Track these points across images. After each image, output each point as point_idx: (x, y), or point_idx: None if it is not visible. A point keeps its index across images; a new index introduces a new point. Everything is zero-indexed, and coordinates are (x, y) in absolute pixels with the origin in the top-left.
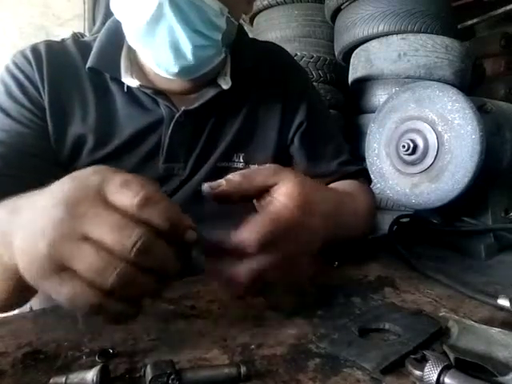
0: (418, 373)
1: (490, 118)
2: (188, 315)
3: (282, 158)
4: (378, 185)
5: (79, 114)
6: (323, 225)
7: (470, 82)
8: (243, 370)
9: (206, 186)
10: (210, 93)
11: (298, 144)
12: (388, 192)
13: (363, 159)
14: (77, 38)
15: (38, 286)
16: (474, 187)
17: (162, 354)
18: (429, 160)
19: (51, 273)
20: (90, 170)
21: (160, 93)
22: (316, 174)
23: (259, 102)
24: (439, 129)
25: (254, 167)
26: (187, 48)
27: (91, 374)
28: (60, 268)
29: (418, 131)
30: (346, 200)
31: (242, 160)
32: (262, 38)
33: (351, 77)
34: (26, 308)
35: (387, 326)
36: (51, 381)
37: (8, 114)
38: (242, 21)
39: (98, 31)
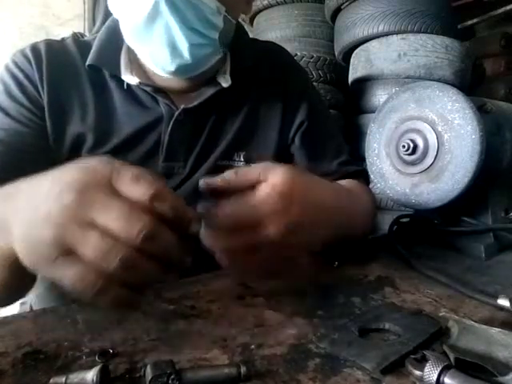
0: (418, 373)
1: (490, 118)
2: (188, 315)
3: (283, 157)
4: (378, 185)
5: (78, 113)
6: (316, 215)
7: (470, 82)
8: (243, 370)
9: (202, 182)
10: (209, 91)
11: (298, 144)
12: (388, 192)
13: (363, 159)
14: (77, 37)
15: (38, 271)
16: (474, 187)
17: (161, 354)
18: (429, 160)
19: (55, 257)
20: (96, 159)
21: (159, 91)
22: (316, 173)
23: (260, 101)
24: (439, 129)
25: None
26: (184, 46)
27: (91, 374)
28: (64, 252)
29: (418, 131)
30: (346, 196)
31: (242, 159)
32: (262, 37)
33: (351, 77)
34: (26, 308)
35: (387, 326)
36: (51, 381)
37: (7, 113)
38: (242, 21)
39: (98, 31)
